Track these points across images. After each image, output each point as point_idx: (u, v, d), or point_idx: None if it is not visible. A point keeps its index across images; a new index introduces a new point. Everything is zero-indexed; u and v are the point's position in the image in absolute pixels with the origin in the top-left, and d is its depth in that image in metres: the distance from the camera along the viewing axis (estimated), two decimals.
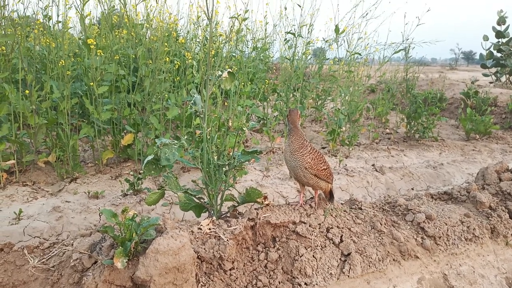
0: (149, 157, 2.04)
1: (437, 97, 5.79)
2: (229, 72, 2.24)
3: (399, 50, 4.77)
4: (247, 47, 6.29)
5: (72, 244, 1.85)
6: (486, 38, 11.46)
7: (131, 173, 3.89)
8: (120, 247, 1.61)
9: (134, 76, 4.14)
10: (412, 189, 4.11)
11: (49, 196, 3.43)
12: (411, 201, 2.77)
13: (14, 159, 3.57)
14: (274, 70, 7.22)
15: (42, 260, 1.84)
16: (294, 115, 2.26)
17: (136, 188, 3.40)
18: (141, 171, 3.97)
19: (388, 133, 6.42)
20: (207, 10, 2.12)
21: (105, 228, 1.64)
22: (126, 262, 1.59)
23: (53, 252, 1.88)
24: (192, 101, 2.03)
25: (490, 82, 11.83)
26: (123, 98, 4.05)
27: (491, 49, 11.50)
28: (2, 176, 3.46)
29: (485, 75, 12.24)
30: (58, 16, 4.27)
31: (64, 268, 1.78)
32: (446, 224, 2.55)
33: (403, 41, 4.86)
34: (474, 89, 7.46)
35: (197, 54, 5.19)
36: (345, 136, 5.23)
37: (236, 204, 2.38)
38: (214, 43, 5.04)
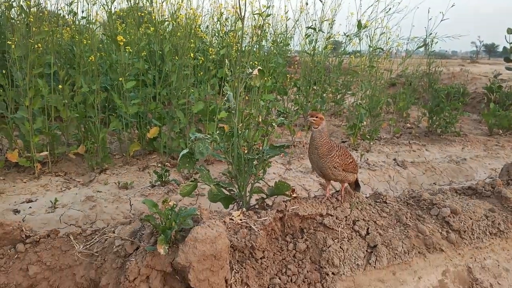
0: (184, 151, 2.13)
1: (460, 92, 5.74)
2: (259, 70, 2.31)
3: (423, 45, 4.75)
4: (267, 42, 6.34)
5: (114, 232, 1.96)
6: (510, 31, 11.15)
7: (158, 165, 4.02)
8: (162, 235, 1.72)
9: (157, 71, 4.25)
10: (435, 183, 4.12)
11: (80, 186, 3.58)
12: (436, 196, 2.80)
13: (47, 151, 3.73)
14: (296, 64, 7.25)
15: (86, 246, 1.96)
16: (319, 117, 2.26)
17: (163, 179, 3.52)
18: (166, 163, 4.10)
19: (409, 127, 6.40)
20: (239, 10, 2.19)
21: (147, 217, 1.75)
22: (167, 249, 1.70)
23: (95, 239, 2.00)
24: (225, 98, 2.11)
25: None
26: (149, 92, 4.17)
27: None
28: (37, 166, 3.62)
29: (508, 68, 11.95)
30: (82, 12, 4.42)
31: (107, 254, 1.89)
32: (470, 219, 2.58)
33: (426, 36, 4.84)
34: (497, 83, 7.34)
35: (219, 49, 5.27)
36: (366, 130, 5.25)
37: (265, 196, 2.46)
38: (236, 39, 5.10)
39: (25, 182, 3.51)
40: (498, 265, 2.51)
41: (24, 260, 1.93)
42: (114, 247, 1.88)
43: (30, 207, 3.06)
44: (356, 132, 5.04)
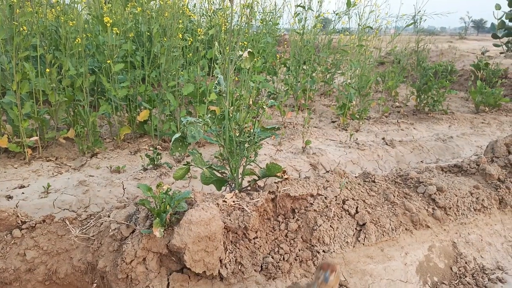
0: (176, 135, 2.15)
1: (448, 70, 5.79)
2: (249, 52, 2.31)
3: (411, 24, 4.75)
4: (256, 20, 6.27)
5: (109, 216, 2.00)
6: (498, 7, 11.18)
7: (150, 148, 4.02)
8: (157, 218, 1.75)
9: (146, 53, 4.19)
10: (422, 162, 4.22)
11: (72, 171, 3.58)
12: (422, 174, 2.88)
13: (37, 136, 3.70)
14: (285, 43, 7.20)
15: (82, 230, 1.99)
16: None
17: (156, 163, 3.54)
18: (158, 146, 4.11)
19: (398, 106, 6.46)
20: None
21: (142, 201, 1.78)
22: (163, 231, 1.74)
23: (91, 223, 2.03)
24: (216, 82, 2.11)
25: (501, 53, 11.66)
26: (138, 75, 4.13)
27: (503, 18, 11.25)
28: (27, 152, 3.60)
29: (496, 45, 12.04)
30: None
31: (104, 237, 1.93)
32: (456, 196, 2.67)
33: (415, 14, 4.84)
34: (484, 60, 7.41)
35: (208, 29, 5.20)
36: (355, 110, 5.29)
37: (257, 178, 2.50)
38: (225, 18, 5.04)
39: (16, 168, 3.50)
40: (482, 240, 2.62)
41: (21, 245, 1.96)
42: (110, 230, 1.91)
43: (22, 193, 3.07)
44: (346, 112, 5.09)
